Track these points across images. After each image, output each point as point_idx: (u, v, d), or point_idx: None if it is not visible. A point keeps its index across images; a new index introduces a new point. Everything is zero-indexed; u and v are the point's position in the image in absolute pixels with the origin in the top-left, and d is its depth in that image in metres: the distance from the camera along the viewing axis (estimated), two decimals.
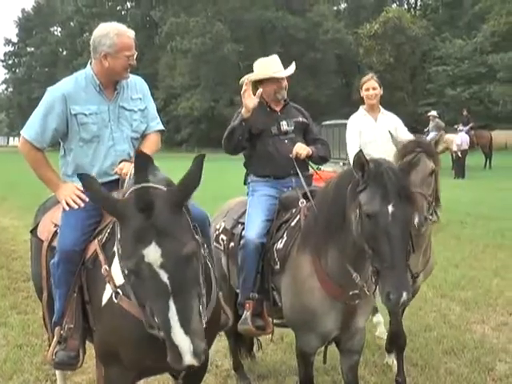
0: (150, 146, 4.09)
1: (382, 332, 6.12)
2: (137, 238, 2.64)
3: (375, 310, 6.08)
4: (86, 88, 3.89)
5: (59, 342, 3.74)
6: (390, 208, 3.41)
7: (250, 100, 4.61)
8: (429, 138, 20.55)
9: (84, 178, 2.88)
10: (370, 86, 6.00)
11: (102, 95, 3.92)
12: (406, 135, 5.79)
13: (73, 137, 3.90)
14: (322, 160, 5.08)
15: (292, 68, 4.99)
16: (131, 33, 3.93)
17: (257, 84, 4.95)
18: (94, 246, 3.63)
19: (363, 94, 6.03)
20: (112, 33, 3.83)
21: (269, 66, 4.94)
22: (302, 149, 4.76)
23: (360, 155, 3.60)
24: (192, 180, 2.82)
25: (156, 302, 2.67)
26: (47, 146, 3.95)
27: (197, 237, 2.86)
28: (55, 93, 3.88)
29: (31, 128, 3.90)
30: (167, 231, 2.65)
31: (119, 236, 2.87)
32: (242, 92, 4.65)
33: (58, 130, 3.88)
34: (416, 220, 4.34)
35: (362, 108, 6.13)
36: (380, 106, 6.10)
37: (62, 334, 3.73)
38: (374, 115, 6.05)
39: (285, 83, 4.94)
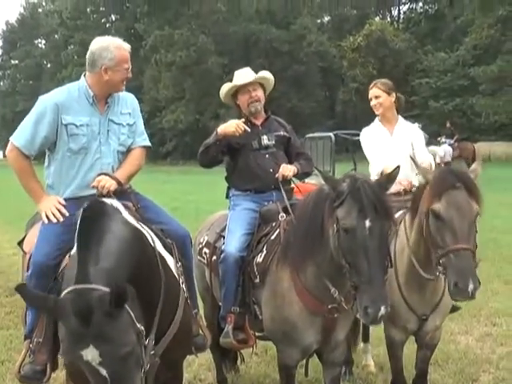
0: (133, 161, 4.12)
1: (368, 359, 5.97)
2: (75, 340, 2.63)
3: (366, 338, 6.00)
4: (79, 99, 3.92)
5: (28, 356, 3.72)
6: (367, 222, 3.42)
7: (234, 128, 4.64)
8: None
9: (19, 288, 2.76)
10: (373, 95, 5.29)
11: (94, 107, 3.95)
12: (421, 153, 5.00)
13: (60, 147, 3.92)
14: (306, 175, 5.11)
15: (251, 76, 4.94)
16: (127, 46, 4.01)
17: (233, 98, 5.00)
18: (66, 260, 3.59)
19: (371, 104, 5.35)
20: (112, 46, 3.89)
21: (239, 78, 4.95)
22: (287, 170, 4.76)
23: (328, 176, 3.69)
24: (121, 291, 2.66)
25: None
26: (35, 154, 3.96)
27: (138, 325, 2.81)
28: (48, 101, 3.89)
29: (21, 135, 3.91)
30: (104, 336, 2.62)
31: (59, 328, 2.85)
32: (237, 124, 4.65)
33: (48, 139, 3.89)
34: (470, 287, 3.60)
35: (377, 119, 5.41)
36: (398, 116, 5.37)
37: (30, 348, 3.71)
38: (390, 127, 5.31)
39: (257, 95, 4.91)
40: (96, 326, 2.60)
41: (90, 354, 2.60)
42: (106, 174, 3.80)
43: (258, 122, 4.97)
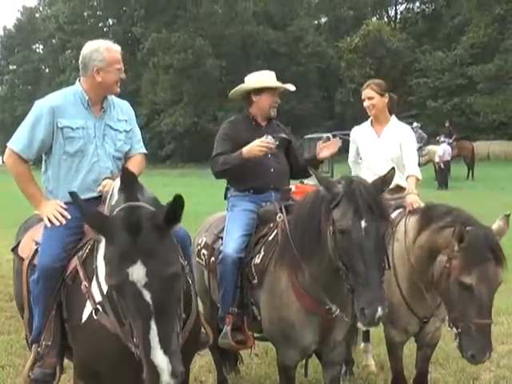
0: (134, 166, 4.13)
1: (369, 359, 5.97)
2: (122, 256, 2.65)
3: (367, 338, 5.99)
4: (75, 103, 3.96)
5: (36, 360, 3.73)
6: (363, 223, 3.43)
7: (264, 147, 4.63)
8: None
9: (74, 194, 2.88)
10: (366, 97, 5.26)
11: (89, 111, 3.98)
12: (408, 157, 5.03)
13: (56, 150, 3.95)
14: (302, 175, 5.14)
15: (292, 86, 5.03)
16: (118, 47, 4.07)
17: (252, 95, 4.94)
18: (74, 262, 3.63)
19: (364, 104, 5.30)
20: (102, 48, 3.95)
21: (270, 78, 4.95)
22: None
23: (323, 177, 3.69)
24: (179, 204, 2.81)
25: (137, 321, 2.67)
26: (33, 159, 4.01)
27: (181, 259, 2.87)
28: (43, 105, 3.93)
29: (18, 140, 3.94)
30: (153, 251, 2.66)
31: (103, 252, 2.86)
32: (261, 144, 4.62)
33: (45, 142, 3.92)
34: (486, 357, 3.64)
35: (369, 119, 5.40)
36: (390, 116, 5.33)
37: (39, 352, 3.73)
38: (380, 128, 5.29)
39: (278, 100, 4.95)
40: (146, 240, 2.65)
41: (137, 272, 2.62)
42: (110, 178, 3.85)
43: (263, 123, 4.98)
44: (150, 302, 2.63)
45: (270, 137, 4.80)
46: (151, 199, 3.06)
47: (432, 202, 4.44)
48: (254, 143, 4.64)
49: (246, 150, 4.67)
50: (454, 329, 3.77)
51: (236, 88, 5.05)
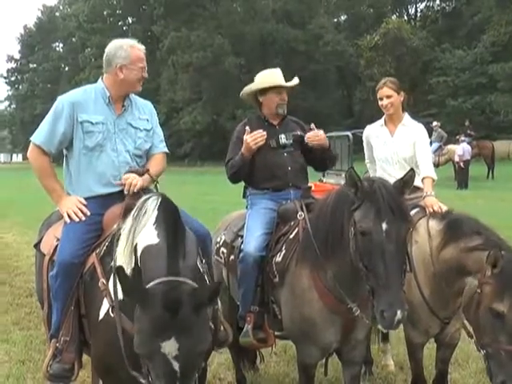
0: (157, 163, 4.20)
1: (388, 359, 5.91)
2: (157, 331, 2.65)
3: (386, 338, 5.92)
4: (95, 99, 4.02)
5: (55, 355, 3.75)
6: (384, 225, 3.42)
7: (253, 141, 4.63)
8: (432, 148, 20.49)
9: (119, 269, 2.83)
10: (384, 95, 5.11)
11: (109, 108, 4.04)
12: (422, 157, 4.95)
13: (76, 145, 4.00)
14: (331, 163, 5.11)
15: (296, 80, 4.97)
16: (142, 46, 4.14)
17: (258, 95, 4.97)
18: (92, 258, 3.66)
19: (379, 103, 5.20)
20: (126, 45, 4.02)
21: (274, 77, 4.93)
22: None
23: (351, 173, 3.62)
24: (218, 286, 2.90)
25: (162, 381, 2.68)
26: (54, 152, 4.05)
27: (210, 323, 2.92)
28: (64, 100, 4.02)
29: (40, 133, 4.02)
30: (188, 330, 2.66)
31: (137, 318, 2.81)
32: (253, 137, 4.63)
33: (66, 135, 3.98)
34: None
35: (383, 117, 5.28)
36: (404, 115, 5.22)
37: (57, 347, 3.74)
38: (393, 127, 5.19)
39: (285, 98, 4.91)
40: (183, 319, 2.64)
41: (169, 347, 2.62)
42: (132, 172, 3.87)
43: (276, 122, 4.96)
44: (178, 371, 2.65)
45: (283, 136, 4.84)
46: (191, 268, 3.05)
47: (457, 213, 4.35)
48: (247, 137, 4.65)
49: (243, 149, 4.69)
50: (482, 351, 3.70)
51: (243, 91, 5.07)
